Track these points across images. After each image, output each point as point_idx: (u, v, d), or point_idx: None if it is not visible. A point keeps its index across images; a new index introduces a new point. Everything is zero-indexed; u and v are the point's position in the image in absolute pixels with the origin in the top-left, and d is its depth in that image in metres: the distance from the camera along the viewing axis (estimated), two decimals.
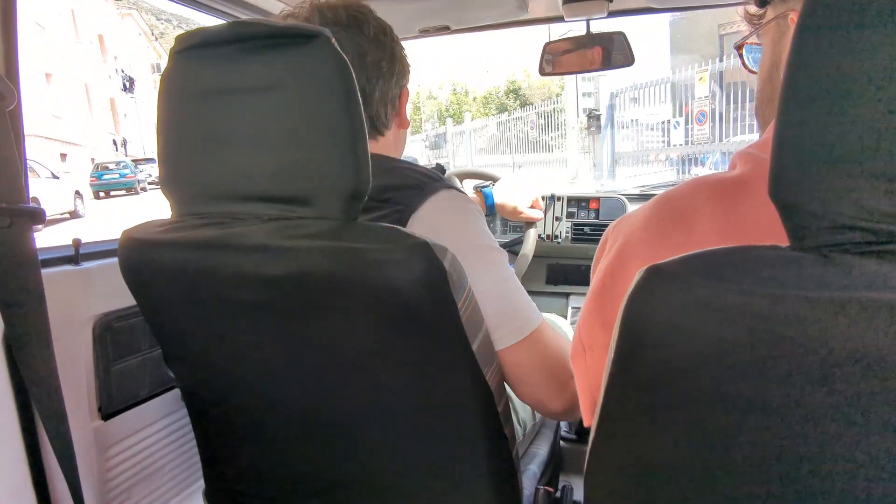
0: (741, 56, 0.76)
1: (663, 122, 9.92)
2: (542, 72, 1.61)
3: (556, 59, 1.57)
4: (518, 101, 24.18)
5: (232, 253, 0.72)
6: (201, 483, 1.05)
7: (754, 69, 0.74)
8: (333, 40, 0.68)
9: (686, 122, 9.15)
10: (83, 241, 1.17)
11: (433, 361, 0.73)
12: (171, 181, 0.79)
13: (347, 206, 0.70)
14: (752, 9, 0.70)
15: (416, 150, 17.28)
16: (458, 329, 0.71)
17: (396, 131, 1.02)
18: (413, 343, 0.71)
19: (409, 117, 1.06)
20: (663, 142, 9.95)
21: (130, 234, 0.81)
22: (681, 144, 9.24)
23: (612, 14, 1.56)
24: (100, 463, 1.19)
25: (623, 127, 10.59)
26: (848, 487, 0.42)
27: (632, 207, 2.16)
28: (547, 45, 1.57)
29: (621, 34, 1.55)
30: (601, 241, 0.73)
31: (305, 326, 0.73)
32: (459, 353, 0.73)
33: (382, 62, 0.93)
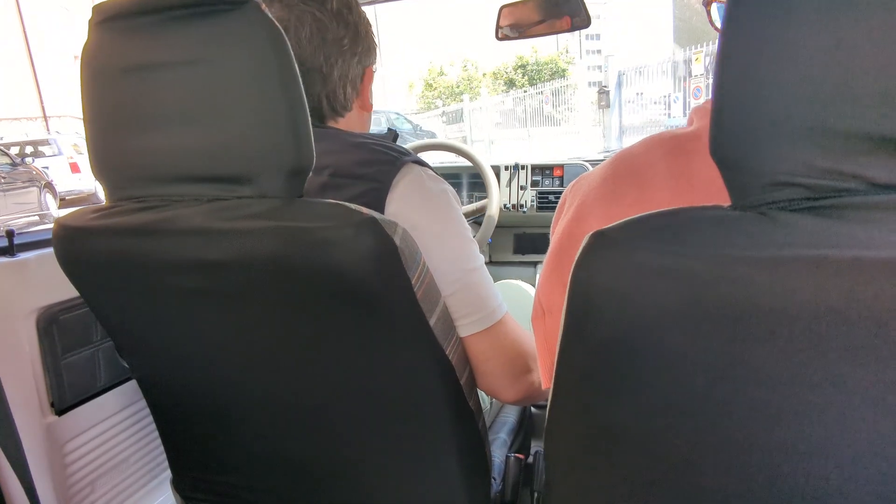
0: (709, 13, 0.72)
1: (665, 97, 10.89)
2: (498, 37, 1.53)
3: (511, 23, 1.49)
4: (526, 77, 24.16)
5: (170, 237, 0.67)
6: (168, 473, 1.01)
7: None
8: (264, 6, 0.62)
9: (685, 97, 10.06)
10: None
11: (390, 340, 0.70)
12: (103, 164, 0.73)
13: (289, 183, 0.65)
14: None
15: (434, 125, 17.67)
16: (413, 306, 0.69)
17: (359, 114, 0.95)
18: (367, 323, 0.68)
19: (372, 99, 0.97)
20: (666, 114, 10.84)
21: (64, 223, 0.75)
22: (681, 116, 10.13)
23: None
24: (57, 459, 1.15)
25: (629, 101, 11.49)
26: (797, 443, 0.42)
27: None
28: (502, 8, 1.49)
29: None
30: (560, 202, 0.72)
31: (254, 311, 0.70)
32: (417, 331, 0.71)
33: (344, 40, 0.86)
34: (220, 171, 0.66)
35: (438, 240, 0.78)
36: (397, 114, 16.59)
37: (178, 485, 0.99)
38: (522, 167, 2.19)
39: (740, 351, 0.41)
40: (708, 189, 0.55)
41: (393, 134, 0.97)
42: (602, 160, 2.20)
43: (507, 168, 2.20)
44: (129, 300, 0.77)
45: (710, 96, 0.44)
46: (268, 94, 0.63)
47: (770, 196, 0.40)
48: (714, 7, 0.72)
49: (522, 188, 2.18)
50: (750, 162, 0.40)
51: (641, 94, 11.21)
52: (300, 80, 0.64)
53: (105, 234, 0.71)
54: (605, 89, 11.34)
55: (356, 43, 0.88)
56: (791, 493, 0.45)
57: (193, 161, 0.67)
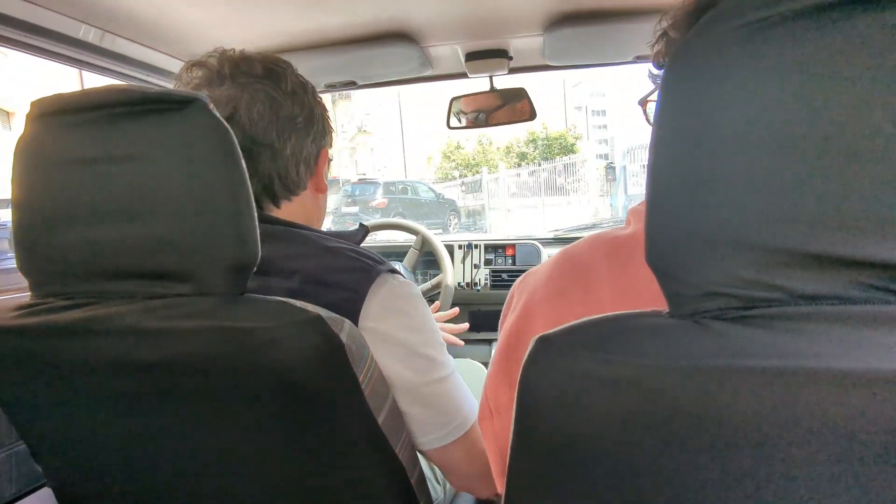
0: (644, 112, 0.74)
1: None
2: (449, 125, 1.52)
3: (462, 114, 1.48)
4: (537, 151, 25.10)
5: (100, 338, 0.60)
6: None
7: None
8: (211, 106, 0.59)
9: None
10: None
11: (336, 441, 0.64)
12: (30, 259, 0.66)
13: (231, 279, 0.60)
14: (655, 70, 0.70)
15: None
16: (361, 404, 0.64)
17: (314, 196, 0.90)
18: (313, 423, 0.62)
19: (327, 180, 0.93)
20: None
21: None
22: None
23: (513, 71, 1.51)
24: None
25: (633, 175, 12.20)
26: None
27: (546, 252, 2.19)
28: (453, 99, 1.48)
29: (522, 90, 1.49)
30: (508, 297, 0.71)
31: (191, 414, 0.63)
32: (365, 430, 0.65)
33: (298, 118, 0.83)
34: (156, 266, 0.61)
35: (420, 351, 0.75)
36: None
37: None
38: (475, 246, 2.20)
39: (685, 459, 0.40)
40: (647, 291, 0.55)
41: (364, 230, 0.92)
42: (551, 239, 2.27)
43: (460, 247, 2.21)
44: (50, 403, 0.68)
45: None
46: (212, 189, 0.59)
47: (703, 305, 0.40)
48: (650, 106, 0.73)
49: (476, 267, 2.17)
50: (682, 272, 0.41)
51: (645, 166, 11.73)
52: (247, 176, 0.61)
53: (26, 335, 0.63)
54: (612, 165, 11.99)
55: (311, 123, 0.85)
56: None
57: (127, 256, 0.61)
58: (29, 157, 0.64)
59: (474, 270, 2.16)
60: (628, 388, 0.40)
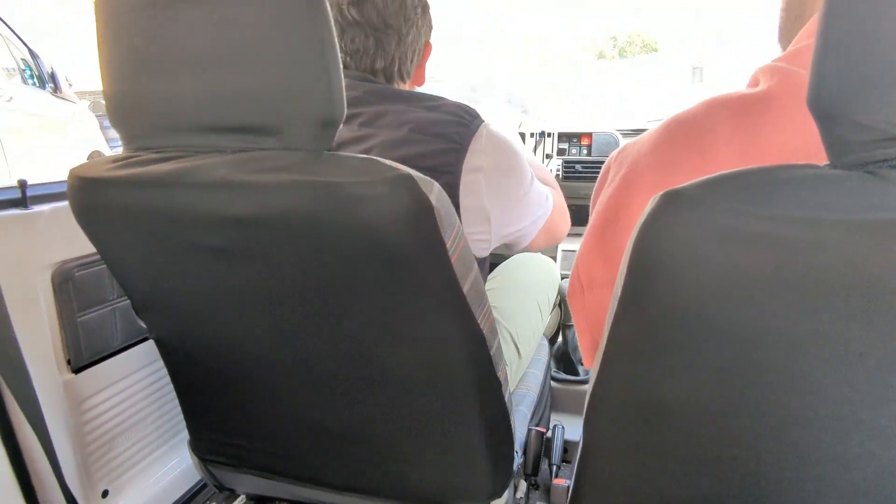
0: None
1: None
2: None
3: None
4: (615, 49, 24.26)
5: (191, 190, 0.62)
6: (186, 434, 0.96)
7: None
8: None
9: None
10: None
11: (420, 306, 0.65)
12: (120, 110, 0.66)
13: (320, 135, 0.60)
14: None
15: None
16: (447, 271, 0.63)
17: (411, 87, 0.97)
18: (398, 286, 0.63)
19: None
20: None
21: (78, 173, 0.69)
22: None
23: None
24: (74, 417, 1.10)
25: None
26: (881, 427, 0.37)
27: (626, 143, 1.95)
28: None
29: None
30: (602, 171, 0.67)
31: (278, 270, 0.65)
32: (449, 297, 0.65)
33: (417, 9, 0.90)
34: (245, 120, 0.60)
35: (523, 188, 0.86)
36: None
37: (195, 446, 0.95)
38: (549, 134, 2.01)
39: (827, 325, 0.36)
40: (781, 155, 0.50)
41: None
42: (632, 130, 2.07)
43: (532, 135, 2.04)
44: (146, 256, 0.71)
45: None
46: (299, 39, 0.57)
47: (879, 153, 0.35)
48: None
49: (548, 156, 2.01)
50: (856, 113, 0.35)
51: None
52: (333, 26, 0.59)
53: (122, 186, 0.65)
54: (699, 66, 11.32)
55: (424, 14, 0.92)
56: (867, 480, 0.39)
57: (217, 110, 0.61)
58: (109, 2, 0.63)
59: (546, 160, 2.00)
60: (778, 244, 0.36)
